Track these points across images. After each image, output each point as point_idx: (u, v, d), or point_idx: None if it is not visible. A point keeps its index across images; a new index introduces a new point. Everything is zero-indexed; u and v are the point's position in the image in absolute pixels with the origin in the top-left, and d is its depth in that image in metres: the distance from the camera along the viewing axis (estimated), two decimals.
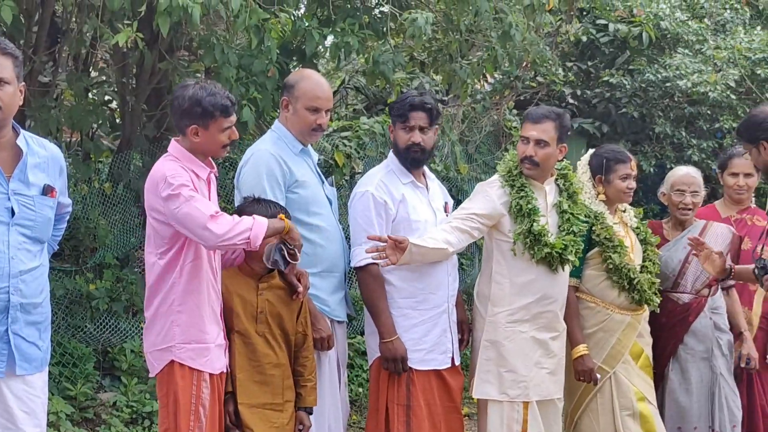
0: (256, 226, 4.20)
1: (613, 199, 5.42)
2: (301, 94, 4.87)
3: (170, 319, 4.33)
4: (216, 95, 4.37)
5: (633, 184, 5.41)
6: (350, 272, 5.24)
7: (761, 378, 5.73)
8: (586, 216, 5.24)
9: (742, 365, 5.50)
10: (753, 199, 6.06)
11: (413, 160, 5.04)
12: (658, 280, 5.38)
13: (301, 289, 4.62)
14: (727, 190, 5.91)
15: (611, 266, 5.26)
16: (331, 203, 5.00)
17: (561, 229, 5.14)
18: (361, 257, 4.86)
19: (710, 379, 5.49)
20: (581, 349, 5.21)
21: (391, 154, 5.12)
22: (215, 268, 4.47)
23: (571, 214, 5.19)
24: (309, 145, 5.03)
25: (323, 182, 5.03)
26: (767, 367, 5.75)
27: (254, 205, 4.55)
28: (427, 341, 4.96)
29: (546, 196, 5.18)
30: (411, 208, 4.97)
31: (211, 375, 4.38)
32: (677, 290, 5.53)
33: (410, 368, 4.89)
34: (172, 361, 4.32)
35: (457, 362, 5.11)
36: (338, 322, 5.00)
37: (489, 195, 5.08)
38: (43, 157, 4.08)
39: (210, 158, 4.49)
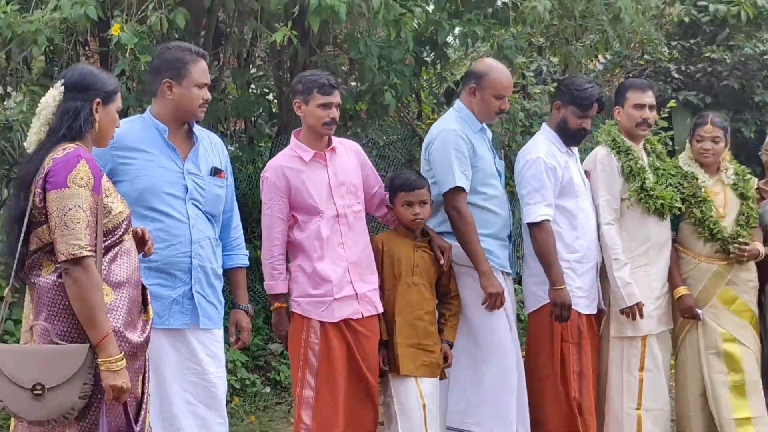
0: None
1: (695, 158, 5.33)
2: (490, 83, 4.80)
3: (292, 276, 4.46)
4: (316, 74, 4.49)
5: (708, 146, 5.26)
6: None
7: None
8: (677, 175, 5.25)
9: None
10: None
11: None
12: (745, 232, 5.18)
13: (443, 261, 4.65)
14: None
15: (695, 219, 5.17)
16: (500, 175, 4.94)
17: (659, 183, 5.14)
18: (536, 214, 4.81)
19: None
20: (682, 290, 5.17)
21: (546, 128, 5.08)
22: (346, 220, 4.47)
23: (664, 170, 5.22)
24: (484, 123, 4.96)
25: (495, 156, 4.97)
26: None
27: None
28: (584, 290, 4.95)
29: (643, 156, 5.21)
30: (572, 173, 4.95)
31: (328, 324, 4.39)
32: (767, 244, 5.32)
33: (577, 311, 4.88)
34: (293, 311, 4.45)
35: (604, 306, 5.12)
36: (507, 273, 4.91)
37: (610, 170, 5.09)
38: (210, 145, 4.18)
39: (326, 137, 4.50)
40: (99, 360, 3.21)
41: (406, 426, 4.47)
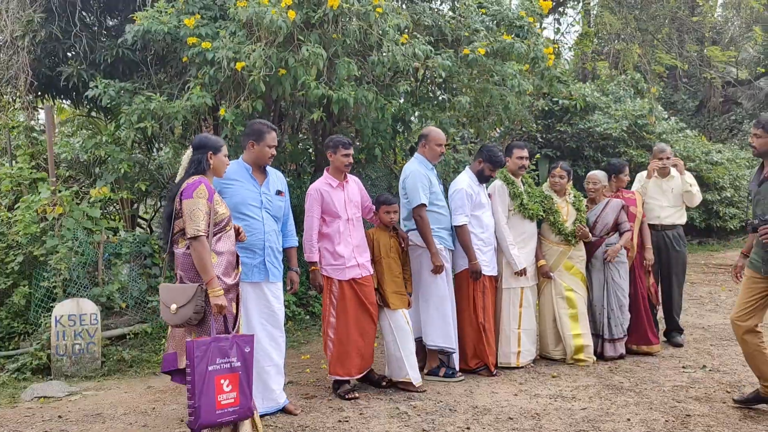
0: None
1: (551, 187, 5.32)
2: (433, 138, 4.76)
3: (321, 253, 4.36)
4: (341, 137, 4.42)
5: (557, 180, 5.27)
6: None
7: (641, 278, 5.45)
8: (540, 197, 5.20)
9: (607, 259, 5.24)
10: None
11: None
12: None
13: (404, 245, 4.64)
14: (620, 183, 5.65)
15: (550, 222, 5.18)
16: (443, 192, 4.90)
17: (531, 201, 5.11)
18: (459, 221, 4.77)
19: (604, 280, 5.24)
20: (542, 262, 5.17)
21: (468, 170, 4.99)
22: (353, 222, 4.39)
23: (533, 194, 5.18)
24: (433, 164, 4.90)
25: (440, 184, 4.90)
26: (643, 271, 5.49)
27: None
28: (487, 261, 4.90)
29: (521, 186, 5.15)
30: (481, 197, 4.91)
31: (343, 281, 4.33)
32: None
33: (483, 273, 4.84)
34: (322, 273, 4.35)
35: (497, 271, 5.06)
36: (450, 249, 4.84)
37: (503, 194, 5.05)
38: (276, 177, 4.14)
39: (344, 174, 4.45)
40: (208, 291, 3.24)
41: (401, 334, 4.47)
